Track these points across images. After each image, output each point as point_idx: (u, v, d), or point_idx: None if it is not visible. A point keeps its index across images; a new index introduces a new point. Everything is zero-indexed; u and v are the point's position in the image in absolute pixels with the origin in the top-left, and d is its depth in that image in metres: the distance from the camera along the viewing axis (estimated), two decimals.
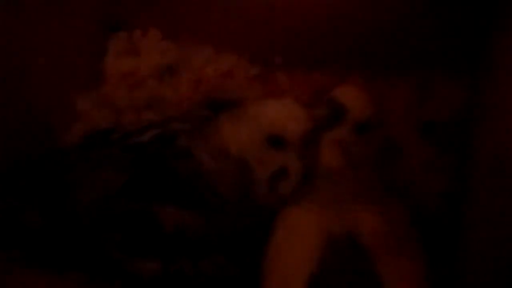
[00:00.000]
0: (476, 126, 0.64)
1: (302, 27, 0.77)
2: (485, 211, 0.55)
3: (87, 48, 0.82)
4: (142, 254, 0.59)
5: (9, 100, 0.67)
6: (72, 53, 0.78)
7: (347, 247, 0.53)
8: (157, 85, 0.81)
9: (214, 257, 0.59)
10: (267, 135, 0.64)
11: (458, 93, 0.73)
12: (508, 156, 0.50)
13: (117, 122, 0.78)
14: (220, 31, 0.81)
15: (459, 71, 0.73)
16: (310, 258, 0.53)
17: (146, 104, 0.80)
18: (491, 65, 0.62)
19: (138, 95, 0.80)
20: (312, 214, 0.56)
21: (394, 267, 0.52)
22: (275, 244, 0.56)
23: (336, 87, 0.69)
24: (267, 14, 0.77)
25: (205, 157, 0.63)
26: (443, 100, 0.73)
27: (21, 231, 0.60)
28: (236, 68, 0.81)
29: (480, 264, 0.53)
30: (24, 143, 0.69)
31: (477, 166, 0.60)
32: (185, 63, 0.82)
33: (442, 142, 0.70)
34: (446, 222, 0.64)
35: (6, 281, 0.54)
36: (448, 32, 0.72)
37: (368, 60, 0.76)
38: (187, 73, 0.81)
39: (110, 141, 0.68)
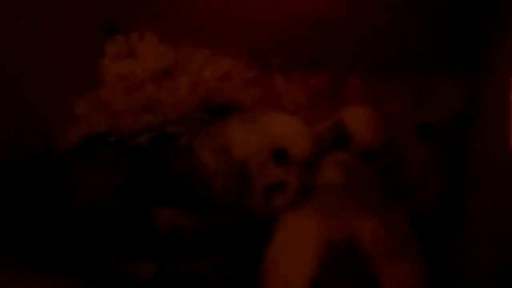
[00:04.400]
0: (474, 128, 0.64)
1: (299, 29, 0.77)
2: (483, 212, 0.55)
3: (85, 51, 0.82)
4: (139, 256, 0.59)
5: (7, 103, 0.67)
6: (70, 57, 0.78)
7: (347, 252, 0.53)
8: (154, 88, 0.81)
9: (211, 258, 0.59)
10: (274, 147, 0.64)
11: (456, 95, 0.73)
12: (506, 158, 0.50)
13: (115, 125, 0.78)
14: (217, 34, 0.81)
15: (457, 73, 0.73)
16: (310, 263, 0.53)
17: (144, 107, 0.80)
18: (490, 67, 0.62)
19: (136, 98, 0.80)
20: (311, 219, 0.56)
21: (393, 272, 0.52)
22: (274, 249, 0.56)
23: (346, 108, 0.69)
24: (264, 16, 0.77)
25: (206, 155, 0.63)
26: (441, 102, 0.73)
27: (18, 233, 0.60)
28: (234, 71, 0.81)
29: (477, 266, 0.53)
30: (21, 146, 0.69)
31: (476, 168, 0.60)
32: (182, 66, 0.82)
33: (441, 144, 0.70)
34: (444, 223, 0.64)
35: (4, 283, 0.54)
36: (447, 33, 0.72)
37: (366, 62, 0.76)
38: (184, 76, 0.81)
39: (107, 143, 0.68)
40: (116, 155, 0.65)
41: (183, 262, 0.59)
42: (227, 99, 0.76)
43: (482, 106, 0.63)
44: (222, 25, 0.80)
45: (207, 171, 0.62)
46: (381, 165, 0.65)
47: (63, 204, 0.61)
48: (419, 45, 0.74)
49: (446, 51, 0.73)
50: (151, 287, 0.58)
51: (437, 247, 0.61)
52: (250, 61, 0.82)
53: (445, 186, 0.67)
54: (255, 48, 0.81)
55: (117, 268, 0.59)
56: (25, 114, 0.70)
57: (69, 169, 0.66)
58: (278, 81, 0.80)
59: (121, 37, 0.85)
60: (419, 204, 0.66)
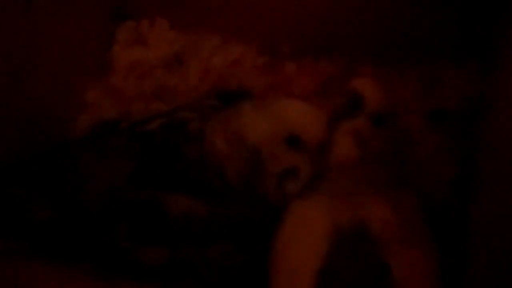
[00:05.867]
0: (485, 114, 0.64)
1: (310, 16, 0.76)
2: (494, 199, 0.55)
3: (95, 38, 0.82)
4: (150, 243, 0.59)
5: (17, 91, 0.67)
6: (80, 43, 0.78)
7: (357, 238, 0.53)
8: (165, 75, 0.81)
9: (222, 245, 0.59)
10: (287, 133, 0.64)
11: (466, 81, 0.73)
12: None
13: (125, 112, 0.78)
14: (227, 21, 0.81)
15: (467, 59, 0.73)
16: (318, 251, 0.52)
17: (154, 93, 0.80)
18: (499, 53, 0.62)
19: (146, 85, 0.80)
20: (321, 205, 0.55)
21: (404, 257, 0.52)
22: (283, 236, 0.56)
23: (354, 77, 0.69)
24: (275, 3, 0.77)
25: (218, 141, 0.63)
26: (451, 88, 0.73)
27: (30, 222, 0.60)
28: (244, 57, 0.81)
29: (489, 253, 0.53)
30: (32, 134, 0.69)
31: (487, 154, 0.60)
32: (193, 52, 0.82)
33: (451, 130, 0.70)
34: (455, 210, 0.64)
35: (15, 272, 0.55)
36: (456, 20, 0.72)
37: (376, 49, 0.76)
38: (195, 63, 0.81)
39: (118, 130, 0.69)
40: (127, 142, 0.65)
41: (194, 249, 0.59)
42: (237, 85, 0.76)
43: (493, 91, 0.62)
44: (233, 12, 0.80)
45: (219, 158, 0.62)
46: (391, 133, 0.65)
47: (75, 191, 0.62)
48: (429, 31, 0.74)
49: (456, 37, 0.73)
50: (162, 273, 0.59)
51: (448, 234, 0.61)
52: (261, 47, 0.82)
53: (456, 171, 0.67)
54: (265, 34, 0.81)
55: (128, 255, 0.59)
56: (36, 102, 0.70)
57: (81, 156, 0.66)
58: (289, 68, 0.80)
59: (131, 23, 0.85)
60: (430, 190, 0.66)
